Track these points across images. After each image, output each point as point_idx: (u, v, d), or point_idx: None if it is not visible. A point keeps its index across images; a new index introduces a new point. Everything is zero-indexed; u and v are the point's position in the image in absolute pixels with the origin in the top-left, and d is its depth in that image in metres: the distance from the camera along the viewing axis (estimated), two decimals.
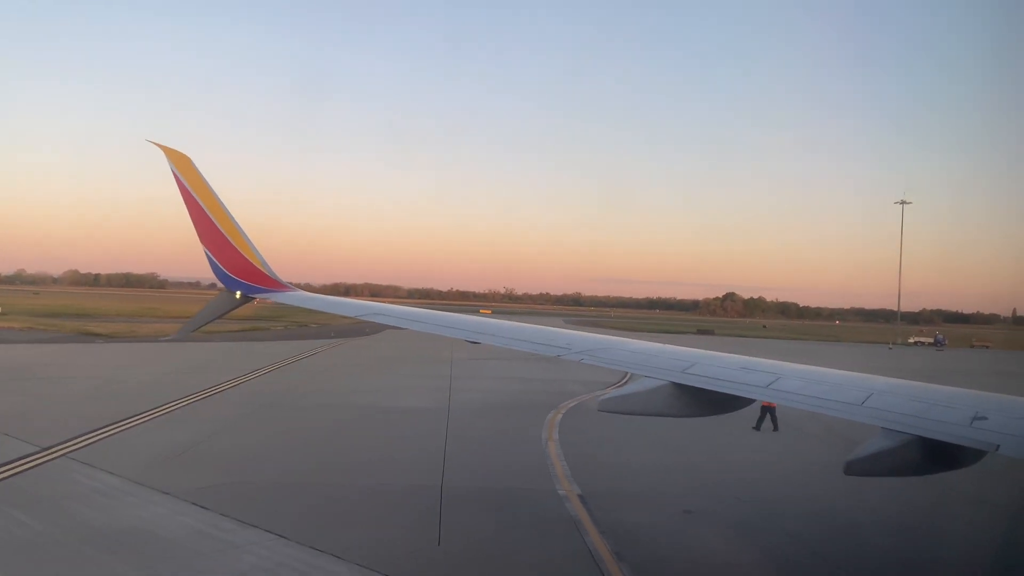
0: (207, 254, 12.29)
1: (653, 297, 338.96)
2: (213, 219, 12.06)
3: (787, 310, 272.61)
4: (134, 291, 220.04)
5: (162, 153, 11.75)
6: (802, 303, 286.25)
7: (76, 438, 16.36)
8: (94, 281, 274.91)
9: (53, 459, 14.58)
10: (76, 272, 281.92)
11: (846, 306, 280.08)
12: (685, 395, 7.08)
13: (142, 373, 29.36)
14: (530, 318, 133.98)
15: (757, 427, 20.98)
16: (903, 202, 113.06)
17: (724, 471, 16.30)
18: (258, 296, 12.49)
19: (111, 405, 20.84)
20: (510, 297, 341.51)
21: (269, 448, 16.80)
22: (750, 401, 6.92)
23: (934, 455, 5.74)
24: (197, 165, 11.87)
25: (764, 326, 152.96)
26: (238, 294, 12.29)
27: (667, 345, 8.76)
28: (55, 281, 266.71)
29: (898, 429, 5.78)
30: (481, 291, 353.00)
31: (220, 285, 12.41)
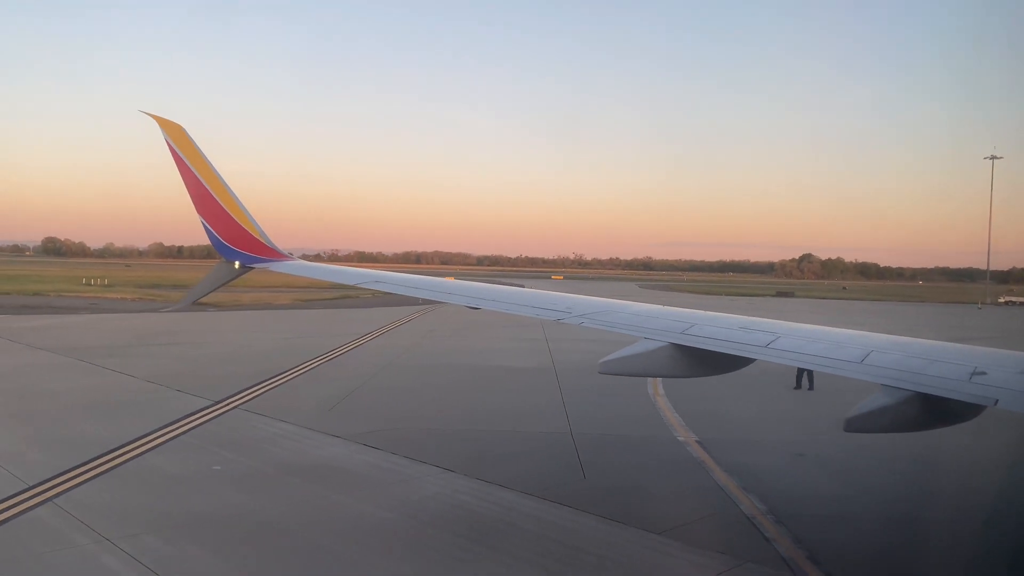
0: (204, 224, 12.14)
1: (726, 260, 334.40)
2: (209, 189, 11.86)
3: (867, 271, 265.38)
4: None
5: (156, 124, 11.58)
6: (882, 263, 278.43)
7: (238, 393, 18.56)
8: (178, 253, 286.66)
9: (228, 410, 16.75)
10: (161, 245, 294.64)
11: (929, 265, 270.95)
12: (685, 355, 7.15)
13: (265, 338, 31.93)
14: (601, 284, 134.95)
15: (797, 386, 21.28)
16: (993, 157, 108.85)
17: (825, 420, 17.42)
18: (257, 266, 12.42)
19: (254, 365, 23.19)
20: (580, 263, 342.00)
21: (407, 401, 18.70)
22: (749, 361, 6.97)
23: (933, 411, 5.78)
24: (191, 135, 11.77)
25: (844, 287, 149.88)
26: (237, 264, 12.21)
27: (668, 307, 8.89)
28: (141, 254, 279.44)
29: (897, 385, 5.81)
30: (551, 257, 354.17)
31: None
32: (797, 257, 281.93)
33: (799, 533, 9.83)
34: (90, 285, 72.70)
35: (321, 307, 52.71)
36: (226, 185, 11.97)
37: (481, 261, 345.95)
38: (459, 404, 18.53)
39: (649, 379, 21.90)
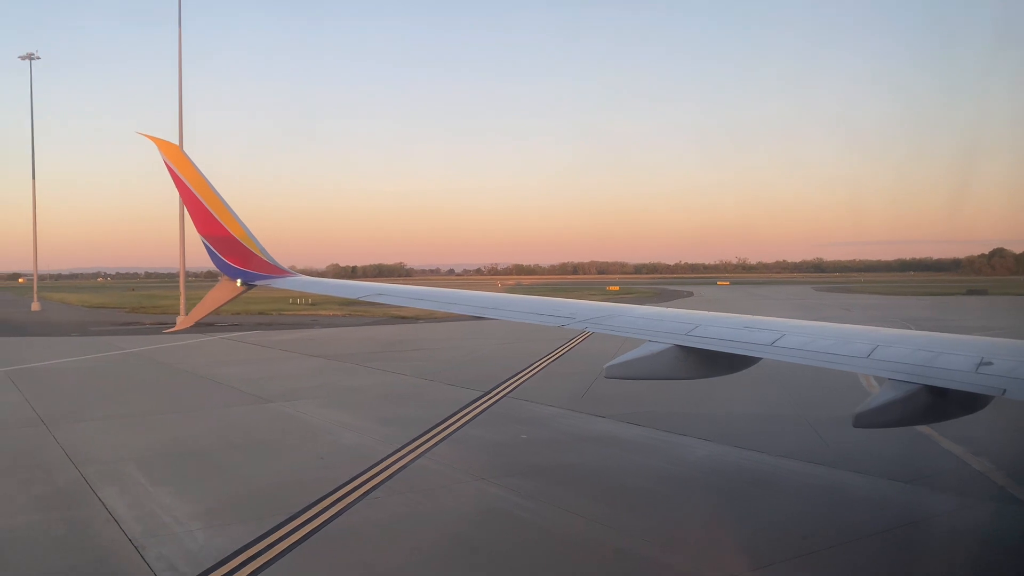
0: (204, 243, 12.37)
1: (905, 258, 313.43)
2: (209, 208, 12.03)
3: None
4: (387, 280, 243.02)
5: (154, 145, 11.92)
6: None
7: (498, 386, 22.23)
8: (352, 272, 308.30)
9: (500, 398, 20.41)
10: (337, 265, 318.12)
11: None
12: (690, 357, 7.35)
13: (486, 344, 36.04)
14: (772, 288, 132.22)
15: None
16: None
17: None
18: (259, 283, 12.68)
19: (494, 365, 27.07)
20: (743, 267, 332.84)
21: (643, 391, 21.53)
22: (755, 360, 7.11)
23: (941, 403, 5.86)
24: (190, 157, 12.16)
25: None
26: (238, 282, 12.48)
27: (671, 309, 9.10)
28: (321, 274, 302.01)
29: (905, 379, 5.84)
30: (711, 262, 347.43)
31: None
32: (987, 252, 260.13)
33: None
34: (297, 304, 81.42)
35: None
36: (226, 204, 12.23)
37: (639, 269, 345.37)
38: (688, 394, 21.16)
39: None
